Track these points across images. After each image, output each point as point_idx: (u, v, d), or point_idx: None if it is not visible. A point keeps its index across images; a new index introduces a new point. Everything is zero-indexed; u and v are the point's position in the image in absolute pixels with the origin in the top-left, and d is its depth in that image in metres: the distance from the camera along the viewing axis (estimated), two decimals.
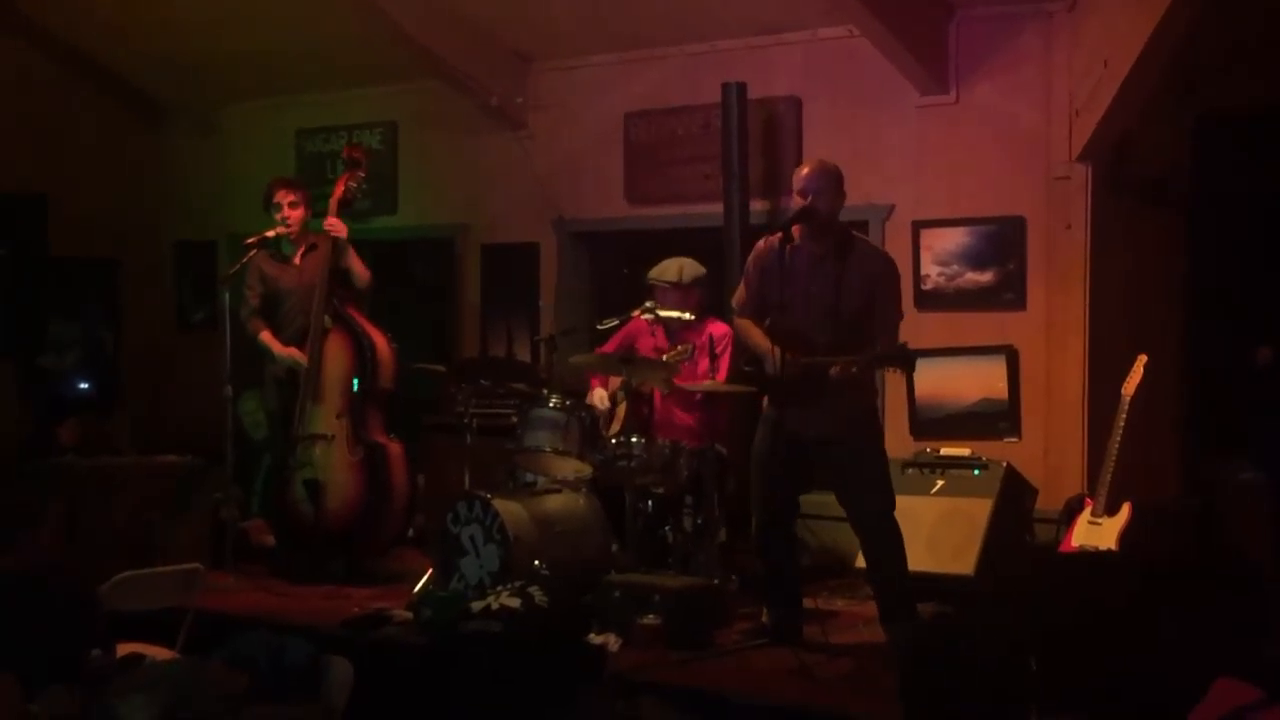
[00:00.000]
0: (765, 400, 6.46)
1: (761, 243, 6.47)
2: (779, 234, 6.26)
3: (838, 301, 6.24)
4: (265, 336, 8.05)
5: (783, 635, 6.39)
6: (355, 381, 7.84)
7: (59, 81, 10.84)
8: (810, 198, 6.24)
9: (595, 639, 6.26)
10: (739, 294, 6.62)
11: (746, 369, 6.49)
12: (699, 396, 7.46)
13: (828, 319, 6.23)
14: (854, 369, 6.06)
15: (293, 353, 7.95)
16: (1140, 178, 8.01)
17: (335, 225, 7.98)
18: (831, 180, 6.30)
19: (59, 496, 8.09)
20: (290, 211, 8.08)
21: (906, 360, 6.09)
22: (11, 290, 8.92)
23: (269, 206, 8.13)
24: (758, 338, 6.32)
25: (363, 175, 8.30)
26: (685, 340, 7.47)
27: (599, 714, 2.99)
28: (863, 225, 7.75)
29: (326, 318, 7.88)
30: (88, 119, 11.02)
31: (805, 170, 6.35)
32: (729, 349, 7.52)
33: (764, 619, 6.57)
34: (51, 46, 10.67)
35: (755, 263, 6.50)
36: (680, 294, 7.56)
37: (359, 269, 8.03)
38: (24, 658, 3.49)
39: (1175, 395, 8.17)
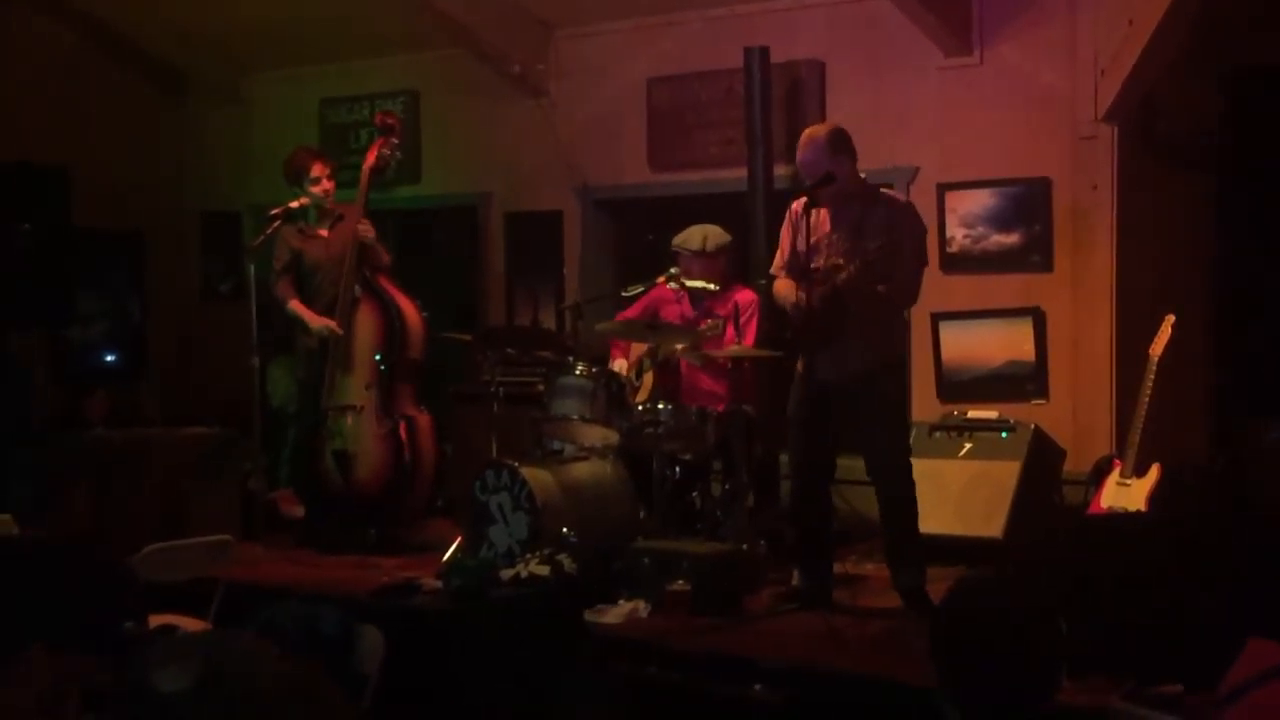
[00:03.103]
0: (800, 361, 6.45)
1: (795, 204, 6.47)
2: (804, 198, 6.30)
3: (855, 243, 6.24)
4: (295, 305, 8.03)
5: (813, 598, 6.39)
6: (380, 359, 7.82)
7: (81, 54, 10.84)
8: (821, 171, 6.25)
9: (624, 605, 6.29)
10: (776, 260, 6.63)
11: (786, 336, 6.49)
12: (725, 363, 7.46)
13: (849, 257, 6.23)
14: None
15: (326, 322, 7.92)
16: (1168, 135, 7.96)
17: (365, 229, 7.92)
18: (820, 148, 6.30)
19: (88, 468, 8.12)
20: (329, 184, 8.08)
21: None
22: (37, 263, 8.93)
23: (300, 178, 8.09)
24: (788, 293, 6.34)
25: (396, 142, 8.19)
26: (710, 309, 7.46)
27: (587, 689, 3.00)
28: (887, 188, 7.72)
29: (356, 288, 7.86)
30: (110, 91, 11.01)
31: (799, 151, 6.39)
32: (755, 316, 7.51)
33: (794, 581, 6.58)
34: (73, 19, 10.67)
35: (787, 225, 6.52)
36: (704, 262, 7.53)
37: (381, 255, 8.02)
38: (56, 629, 3.51)
39: (1204, 355, 8.13)
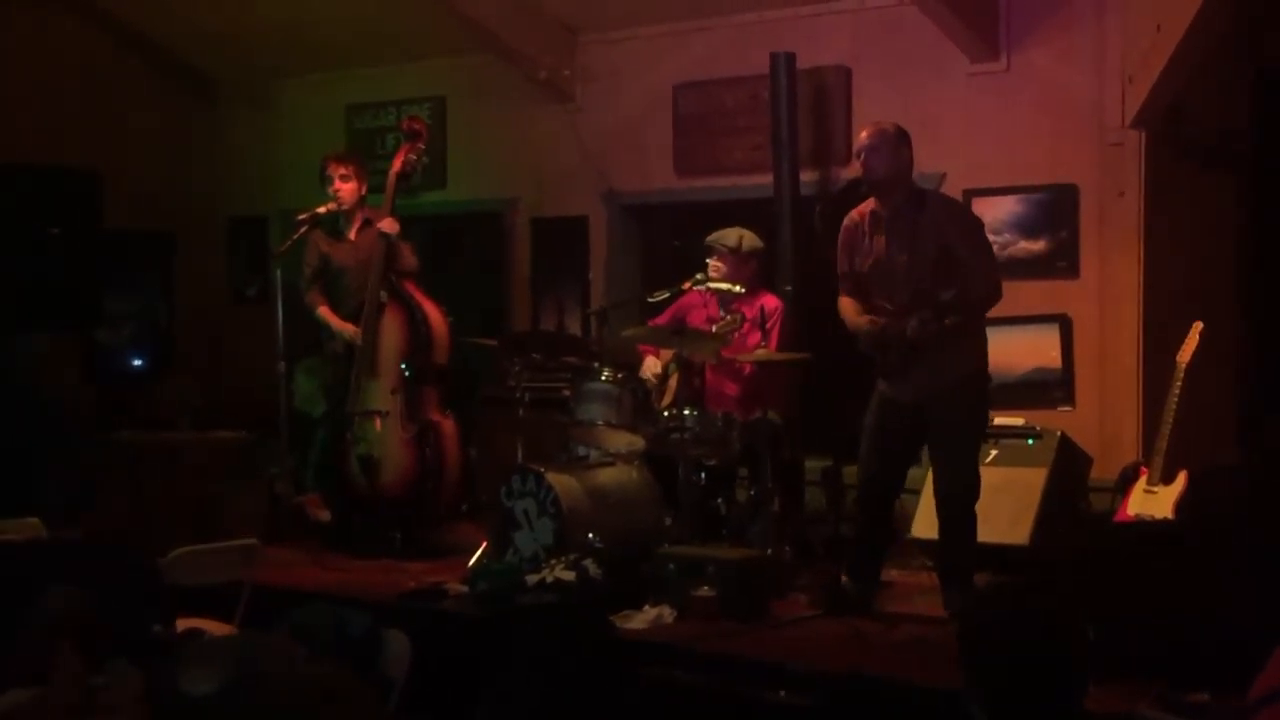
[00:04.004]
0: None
1: (851, 215, 6.47)
2: (858, 211, 6.36)
3: (914, 258, 6.23)
4: (323, 311, 8.05)
5: (854, 604, 6.38)
6: (404, 367, 7.84)
7: (112, 58, 10.91)
8: (865, 156, 6.30)
9: (650, 611, 6.29)
10: (840, 270, 6.62)
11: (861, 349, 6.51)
12: (748, 368, 7.46)
13: (908, 278, 6.23)
14: (927, 326, 6.08)
15: (349, 327, 7.94)
16: (1196, 139, 7.93)
17: (388, 224, 7.93)
18: (886, 138, 6.31)
19: (119, 471, 8.17)
20: (341, 185, 8.05)
21: (967, 308, 6.10)
22: (67, 266, 9.00)
23: (323, 180, 8.12)
24: (850, 314, 6.38)
25: (423, 147, 8.19)
26: (737, 311, 7.46)
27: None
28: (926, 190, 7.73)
29: (382, 293, 7.87)
30: (140, 95, 11.08)
31: (863, 133, 6.40)
32: (780, 322, 7.52)
33: (835, 585, 6.53)
34: (104, 23, 10.75)
35: (841, 239, 6.50)
36: (736, 261, 7.56)
37: (407, 257, 8.02)
38: (88, 629, 3.53)
39: (1234, 360, 8.09)
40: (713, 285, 7.51)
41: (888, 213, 6.34)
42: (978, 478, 6.41)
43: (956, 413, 6.33)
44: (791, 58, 8.30)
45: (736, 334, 7.39)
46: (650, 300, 7.94)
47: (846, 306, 6.46)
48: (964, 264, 6.25)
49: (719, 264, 7.57)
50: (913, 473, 6.79)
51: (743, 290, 7.48)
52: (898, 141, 6.33)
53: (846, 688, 5.42)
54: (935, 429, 6.35)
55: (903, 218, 6.31)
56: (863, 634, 6.01)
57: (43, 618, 3.54)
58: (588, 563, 6.48)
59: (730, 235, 7.62)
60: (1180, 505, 6.68)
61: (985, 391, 6.51)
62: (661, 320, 7.77)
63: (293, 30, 10.19)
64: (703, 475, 7.31)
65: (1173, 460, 6.79)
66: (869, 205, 6.39)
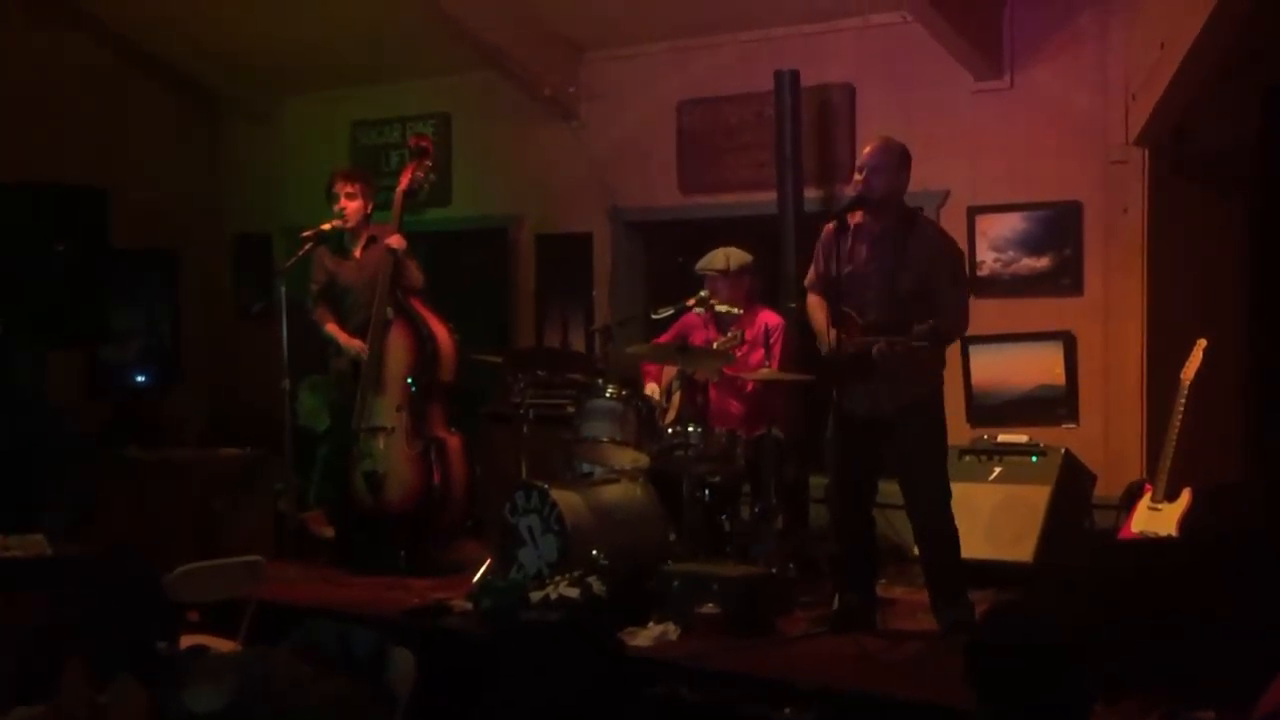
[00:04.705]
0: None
1: (834, 221, 6.48)
2: (835, 219, 6.33)
3: (895, 279, 6.26)
4: (331, 328, 8.04)
5: (855, 621, 6.35)
6: (410, 381, 7.84)
7: (119, 76, 10.94)
8: (866, 173, 6.31)
9: (654, 628, 6.29)
10: (810, 273, 6.67)
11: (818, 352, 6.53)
12: (751, 386, 7.47)
13: (885, 297, 6.26)
14: (895, 348, 6.07)
15: (356, 343, 7.94)
16: (1200, 157, 7.94)
17: (396, 241, 7.92)
18: (892, 158, 6.34)
19: (123, 487, 8.18)
20: (347, 203, 8.04)
21: (937, 339, 6.10)
22: (74, 283, 9.02)
23: (329, 198, 8.13)
24: (819, 318, 6.36)
25: (430, 165, 8.19)
26: (737, 329, 7.47)
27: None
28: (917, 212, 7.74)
29: (389, 310, 7.87)
30: (146, 112, 11.11)
31: (867, 147, 6.42)
32: (781, 338, 7.53)
33: (835, 605, 6.51)
34: (111, 41, 10.78)
35: (822, 242, 6.53)
36: (730, 281, 7.57)
37: (413, 274, 8.02)
38: (95, 644, 3.54)
39: (1239, 377, 8.10)
40: (716, 306, 7.52)
41: (877, 229, 6.36)
42: (949, 490, 6.42)
43: (920, 430, 6.35)
44: (796, 75, 8.31)
45: (738, 351, 7.40)
46: (654, 317, 7.94)
47: (815, 306, 6.52)
48: (941, 294, 6.28)
49: (713, 288, 7.57)
50: None
51: (740, 312, 7.49)
52: (901, 163, 6.38)
53: (851, 705, 5.42)
54: (901, 447, 6.36)
55: (891, 236, 6.33)
56: (868, 651, 6.00)
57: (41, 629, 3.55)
58: (592, 580, 6.48)
59: (717, 258, 7.63)
60: (1184, 522, 6.68)
61: (941, 411, 6.52)
62: (664, 340, 7.78)
63: (298, 47, 10.21)
64: (707, 492, 7.31)
65: (1177, 477, 6.79)
66: (857, 216, 6.39)
